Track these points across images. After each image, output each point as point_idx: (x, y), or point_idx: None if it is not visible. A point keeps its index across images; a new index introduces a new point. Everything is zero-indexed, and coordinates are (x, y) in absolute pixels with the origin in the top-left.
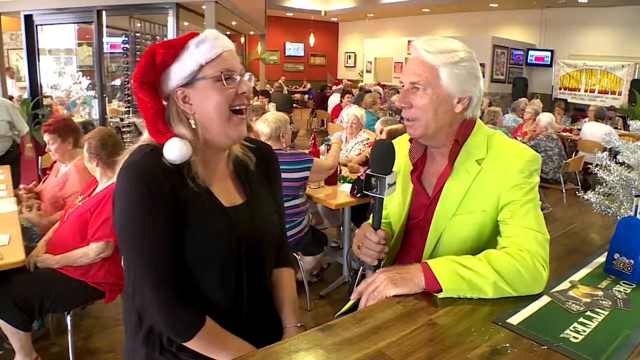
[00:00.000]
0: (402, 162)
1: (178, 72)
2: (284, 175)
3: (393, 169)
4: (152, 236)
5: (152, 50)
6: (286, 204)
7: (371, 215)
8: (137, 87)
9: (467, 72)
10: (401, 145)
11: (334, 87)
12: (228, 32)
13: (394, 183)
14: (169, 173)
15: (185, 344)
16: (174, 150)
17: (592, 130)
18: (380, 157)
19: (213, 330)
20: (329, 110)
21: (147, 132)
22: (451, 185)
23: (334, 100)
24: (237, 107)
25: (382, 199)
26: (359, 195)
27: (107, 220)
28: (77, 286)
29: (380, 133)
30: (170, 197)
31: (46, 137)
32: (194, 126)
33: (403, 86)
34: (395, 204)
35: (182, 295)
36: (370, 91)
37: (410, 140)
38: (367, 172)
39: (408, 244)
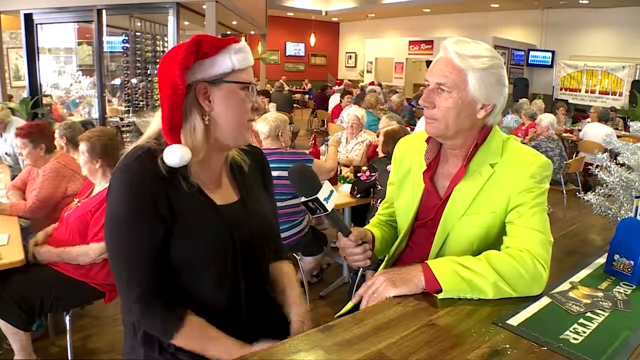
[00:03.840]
0: (416, 160)
1: (210, 68)
2: (283, 173)
3: (322, 182)
4: (136, 238)
5: (199, 39)
6: (285, 204)
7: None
8: (181, 70)
9: (495, 79)
10: (416, 144)
11: (336, 88)
12: (229, 32)
13: (331, 192)
14: (162, 175)
15: (171, 342)
16: (175, 157)
17: (593, 131)
18: (301, 182)
19: (199, 328)
20: (330, 110)
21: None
22: (463, 186)
23: (335, 100)
24: (251, 119)
25: (332, 212)
26: (358, 195)
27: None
28: (78, 286)
29: (377, 136)
30: (161, 200)
31: (18, 142)
32: (207, 122)
33: (428, 85)
34: (404, 203)
35: (164, 295)
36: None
37: (427, 140)
38: (301, 202)
39: (414, 243)
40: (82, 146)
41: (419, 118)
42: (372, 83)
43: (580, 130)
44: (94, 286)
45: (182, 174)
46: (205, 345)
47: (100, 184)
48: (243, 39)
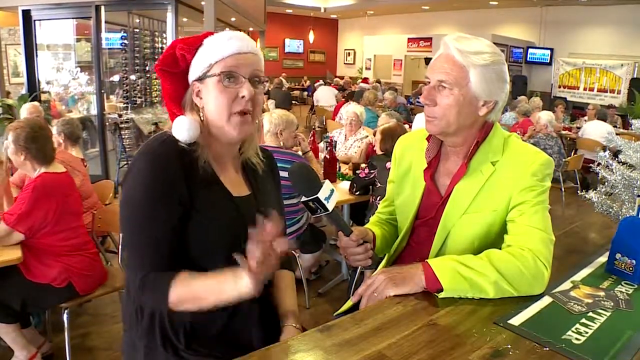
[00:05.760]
0: (416, 158)
1: (195, 67)
2: (282, 173)
3: (322, 181)
4: (155, 221)
5: (175, 44)
6: (285, 202)
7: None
8: (158, 72)
9: (497, 75)
10: (417, 142)
11: (317, 84)
12: (227, 29)
13: (332, 191)
14: (183, 161)
15: (170, 307)
16: (182, 127)
17: (593, 129)
18: (301, 182)
19: (185, 279)
20: (316, 103)
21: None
22: (463, 184)
23: (322, 93)
24: (238, 110)
25: (333, 211)
26: (357, 193)
27: (25, 212)
28: (43, 290)
29: (374, 134)
30: (181, 185)
31: None
32: (202, 119)
33: (429, 82)
34: (404, 201)
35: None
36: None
37: (428, 138)
38: (301, 201)
39: (414, 242)
40: (9, 137)
41: (415, 115)
42: (364, 80)
43: (579, 128)
44: (59, 286)
45: (200, 160)
46: (197, 292)
47: (32, 175)
48: (227, 29)
